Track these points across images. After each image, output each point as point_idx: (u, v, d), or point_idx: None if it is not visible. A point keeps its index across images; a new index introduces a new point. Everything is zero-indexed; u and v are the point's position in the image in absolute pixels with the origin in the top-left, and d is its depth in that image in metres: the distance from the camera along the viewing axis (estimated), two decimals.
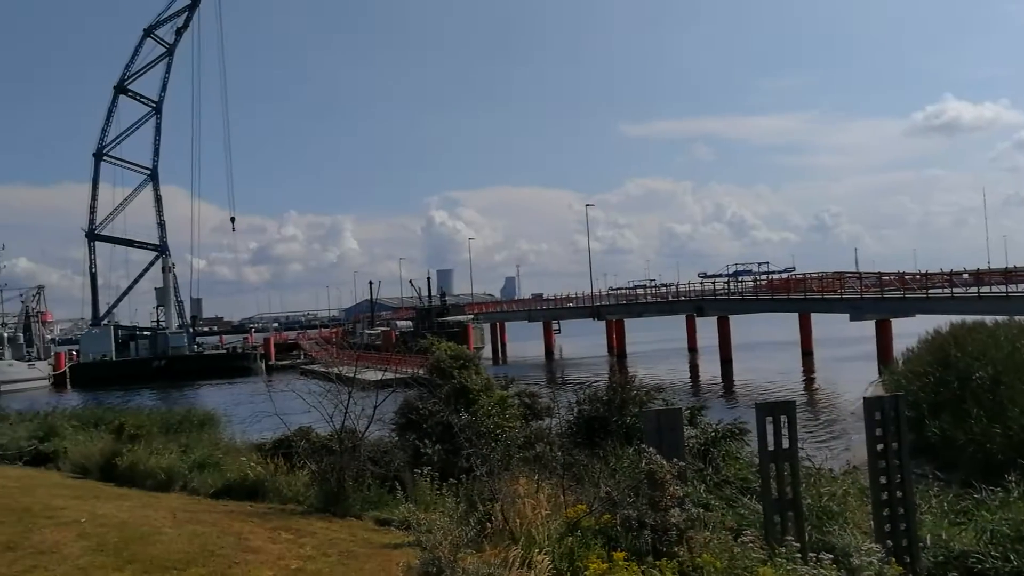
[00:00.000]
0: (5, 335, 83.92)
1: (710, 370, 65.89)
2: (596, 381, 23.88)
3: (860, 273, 65.99)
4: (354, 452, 13.39)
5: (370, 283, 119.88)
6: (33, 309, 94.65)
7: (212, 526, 11.28)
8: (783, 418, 8.72)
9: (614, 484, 9.52)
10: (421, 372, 21.89)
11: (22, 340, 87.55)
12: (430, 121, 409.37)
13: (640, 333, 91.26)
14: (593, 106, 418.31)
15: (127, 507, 12.74)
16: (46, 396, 65.69)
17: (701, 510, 8.65)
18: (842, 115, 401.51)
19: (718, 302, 73.64)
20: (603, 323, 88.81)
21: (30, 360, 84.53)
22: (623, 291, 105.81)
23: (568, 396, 16.89)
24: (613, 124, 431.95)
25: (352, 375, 14.95)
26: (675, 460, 8.07)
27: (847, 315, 57.75)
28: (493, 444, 12.22)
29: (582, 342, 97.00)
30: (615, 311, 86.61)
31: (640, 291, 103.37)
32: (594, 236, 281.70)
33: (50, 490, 14.46)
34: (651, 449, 8.22)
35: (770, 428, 8.72)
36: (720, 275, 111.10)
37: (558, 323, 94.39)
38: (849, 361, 59.86)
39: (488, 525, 9.19)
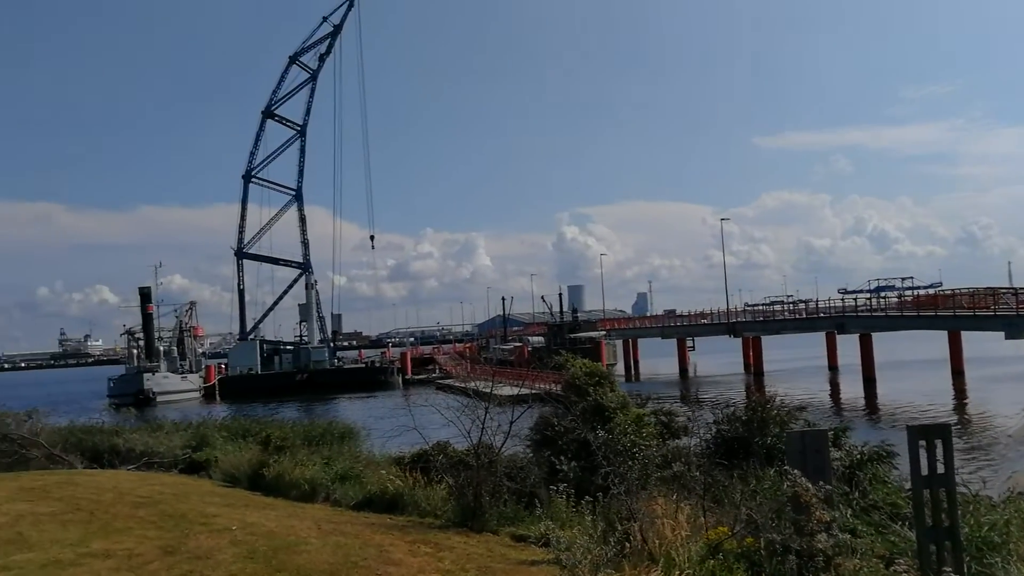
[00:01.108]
0: (161, 348, 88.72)
1: (852, 390, 63.34)
2: (733, 400, 23.32)
3: (1016, 288, 62.12)
4: (491, 467, 13.48)
5: (503, 299, 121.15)
6: (186, 324, 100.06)
7: (355, 538, 11.55)
8: (938, 442, 8.26)
9: (756, 506, 9.23)
10: (556, 388, 21.86)
11: (176, 353, 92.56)
12: (561, 137, 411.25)
13: (777, 351, 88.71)
14: (726, 119, 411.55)
15: (274, 516, 13.19)
16: (197, 407, 68.99)
17: (849, 536, 8.28)
18: (990, 122, 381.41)
19: (860, 319, 70.69)
20: (739, 340, 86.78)
21: (183, 372, 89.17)
22: (759, 307, 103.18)
23: (705, 415, 16.54)
24: (746, 137, 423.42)
25: (488, 390, 15.10)
26: (821, 483, 7.75)
27: (1002, 333, 54.47)
28: (630, 463, 12.05)
29: (717, 359, 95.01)
30: (752, 328, 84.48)
31: (777, 307, 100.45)
32: (729, 251, 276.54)
33: (203, 498, 15.12)
34: (795, 471, 7.93)
35: (923, 452, 8.28)
36: (861, 291, 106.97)
37: (692, 340, 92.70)
38: (1004, 382, 56.38)
39: (627, 545, 9.07)
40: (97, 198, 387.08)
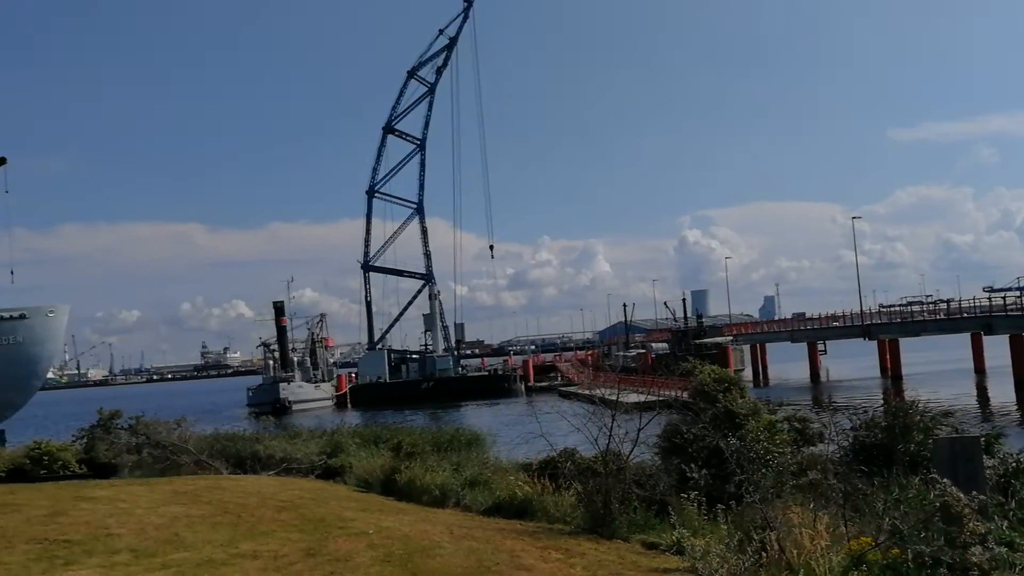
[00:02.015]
0: (295, 359, 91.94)
1: (1002, 394, 60.01)
2: (869, 405, 22.49)
3: None
4: (619, 474, 13.44)
5: (624, 305, 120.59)
6: (317, 335, 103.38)
7: (486, 543, 11.71)
8: None
9: (901, 516, 8.91)
10: (683, 395, 21.57)
11: (309, 363, 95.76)
12: (681, 140, 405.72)
13: (916, 353, 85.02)
14: (856, 111, 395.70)
15: (408, 521, 13.50)
16: (331, 415, 71.13)
17: (1006, 549, 7.87)
18: None
19: (1011, 319, 66.75)
20: (874, 343, 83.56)
21: (316, 382, 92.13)
22: (895, 308, 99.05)
23: (841, 421, 16.00)
24: (879, 129, 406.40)
25: (614, 397, 15.03)
26: (974, 493, 7.41)
27: None
28: (764, 470, 11.80)
29: (851, 363, 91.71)
30: (888, 330, 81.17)
31: (915, 308, 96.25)
32: (861, 250, 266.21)
33: (340, 503, 15.60)
34: (944, 480, 7.61)
35: None
36: (1010, 288, 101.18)
37: (823, 343, 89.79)
38: None
39: (764, 554, 8.89)
40: (232, 218, 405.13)
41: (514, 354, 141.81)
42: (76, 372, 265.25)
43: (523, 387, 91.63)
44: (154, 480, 18.21)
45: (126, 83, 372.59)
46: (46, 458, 19.52)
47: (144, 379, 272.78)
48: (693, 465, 13.34)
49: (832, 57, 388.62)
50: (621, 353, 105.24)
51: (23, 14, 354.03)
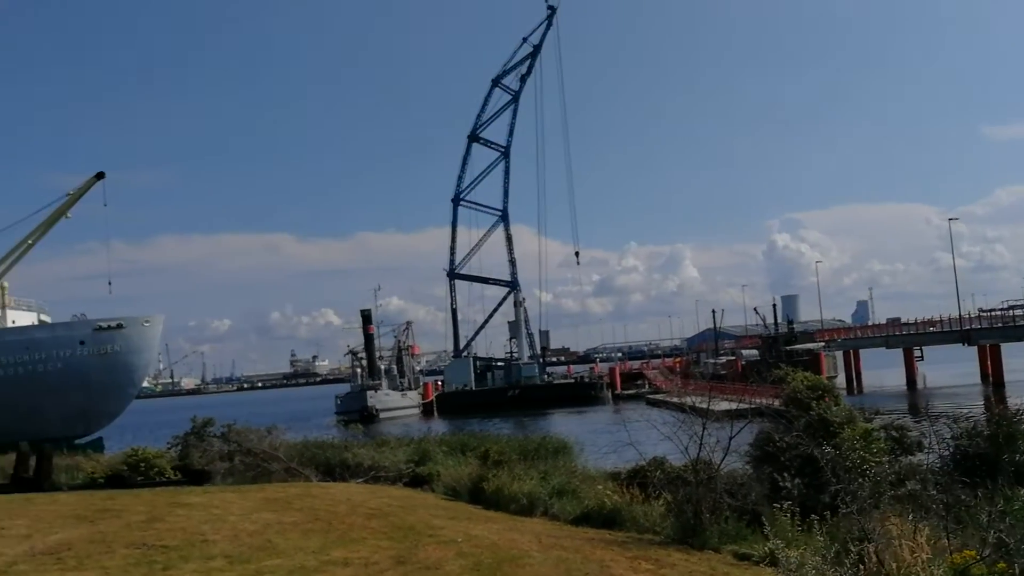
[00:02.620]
0: (382, 367, 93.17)
1: None
2: (970, 413, 21.64)
3: None
4: (710, 483, 13.19)
5: (712, 312, 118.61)
6: (404, 343, 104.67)
7: (575, 552, 11.60)
8: None
9: (1007, 529, 8.53)
10: (775, 403, 21.10)
11: (396, 371, 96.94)
12: (768, 142, 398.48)
13: (1020, 359, 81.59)
14: (946, 109, 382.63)
15: (496, 529, 13.49)
16: (417, 422, 71.84)
17: None
18: None
19: None
20: (974, 349, 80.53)
21: (403, 389, 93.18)
22: (997, 312, 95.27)
23: (940, 429, 15.42)
24: (972, 127, 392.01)
25: (704, 405, 14.79)
26: None
27: None
28: (860, 480, 11.41)
29: (949, 370, 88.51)
30: (989, 335, 78.15)
31: (1017, 312, 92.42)
32: (958, 252, 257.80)
33: (428, 510, 15.70)
34: None
35: None
36: None
37: (920, 349, 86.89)
38: None
39: (862, 567, 8.61)
40: (321, 228, 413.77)
41: (600, 361, 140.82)
42: (170, 380, 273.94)
43: (610, 395, 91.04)
44: (246, 487, 18.62)
45: (219, 96, 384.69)
46: (143, 465, 20.16)
47: (235, 387, 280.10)
48: (786, 474, 13.03)
49: (918, 55, 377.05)
50: (710, 360, 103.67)
51: (119, 30, 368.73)
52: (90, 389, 62.03)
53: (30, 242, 66.07)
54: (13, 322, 65.87)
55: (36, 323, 67.70)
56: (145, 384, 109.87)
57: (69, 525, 13.21)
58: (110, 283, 70.28)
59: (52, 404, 59.14)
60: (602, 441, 24.94)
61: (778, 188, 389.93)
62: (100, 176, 66.83)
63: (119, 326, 64.46)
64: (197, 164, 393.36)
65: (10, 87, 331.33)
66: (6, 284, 67.63)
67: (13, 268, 67.46)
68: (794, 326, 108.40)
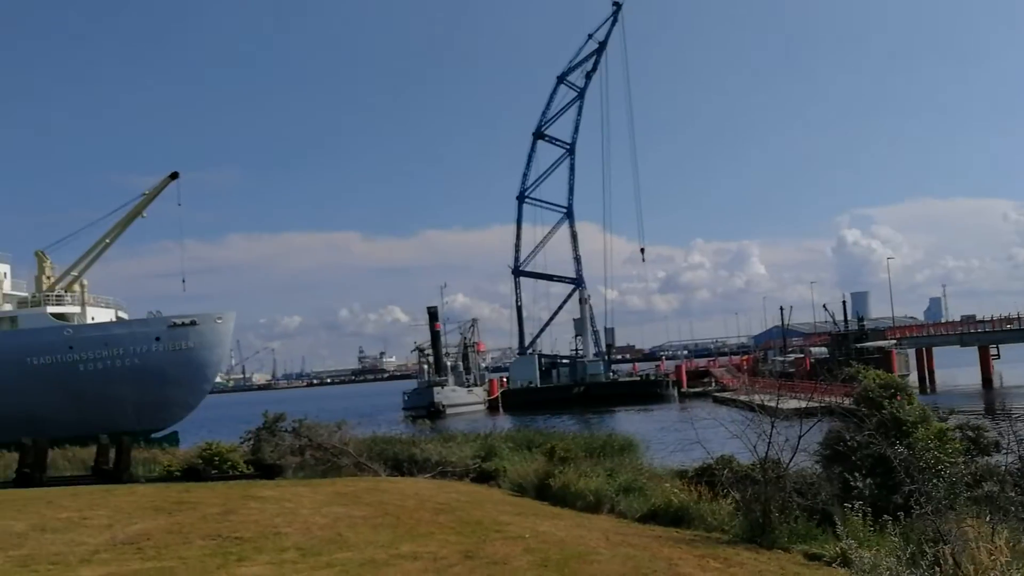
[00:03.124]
0: (449, 364, 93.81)
1: None
2: None
3: None
4: (779, 482, 13.03)
5: (780, 308, 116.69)
6: (469, 340, 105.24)
7: (643, 550, 11.58)
8: None
9: None
10: (845, 402, 20.70)
11: (462, 368, 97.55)
12: (838, 137, 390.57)
13: None
14: (1019, 102, 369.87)
15: (563, 526, 13.52)
16: (483, 418, 72.17)
17: None
18: None
19: None
20: None
21: (468, 386, 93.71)
22: None
23: (1019, 429, 14.98)
24: None
25: (772, 403, 14.60)
26: None
27: None
28: (935, 481, 11.17)
29: None
30: None
31: None
32: None
33: (495, 506, 15.80)
34: None
35: None
36: None
37: (997, 347, 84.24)
38: None
39: (937, 569, 8.44)
40: (387, 226, 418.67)
41: (666, 359, 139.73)
42: (241, 376, 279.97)
43: (676, 393, 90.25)
44: (316, 481, 18.95)
45: (289, 98, 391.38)
46: (216, 458, 20.62)
47: (305, 383, 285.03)
48: (857, 474, 12.81)
49: (994, 41, 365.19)
50: (778, 358, 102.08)
51: (191, 31, 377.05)
52: (165, 384, 63.75)
53: (108, 241, 68.11)
54: (92, 318, 67.94)
55: (114, 320, 69.75)
56: (218, 379, 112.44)
57: (148, 516, 13.61)
58: (184, 281, 71.53)
59: (129, 398, 60.92)
60: (668, 439, 24.76)
61: (847, 183, 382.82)
62: (174, 176, 68.58)
63: (193, 323, 66.05)
64: (266, 164, 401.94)
65: (86, 89, 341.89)
66: (86, 282, 69.83)
67: (92, 266, 69.65)
68: (864, 323, 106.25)
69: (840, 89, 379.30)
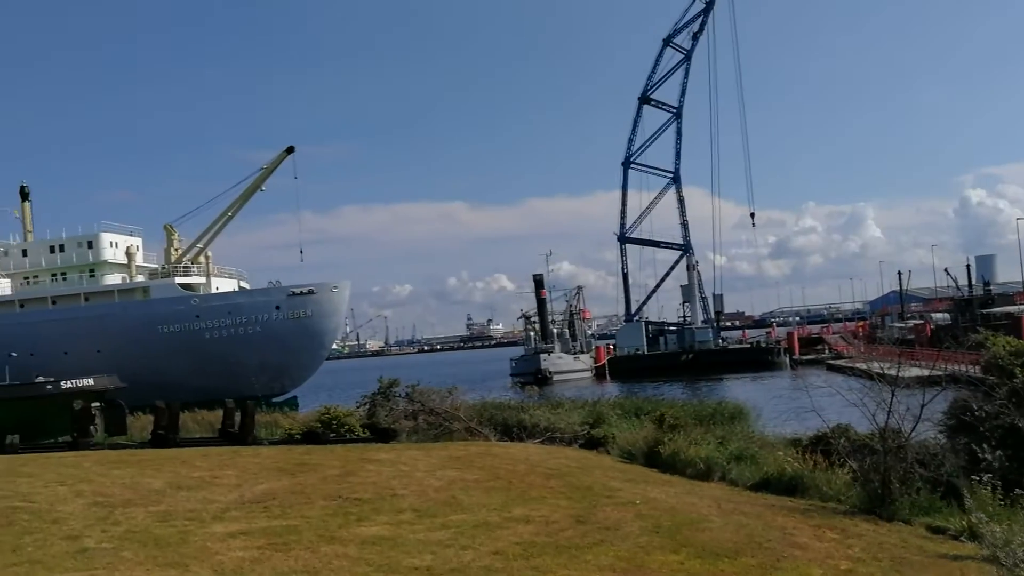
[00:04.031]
0: (555, 331, 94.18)
1: None
2: None
3: None
4: (899, 453, 12.67)
5: (899, 273, 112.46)
6: (575, 307, 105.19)
7: (756, 518, 11.45)
8: None
9: None
10: (973, 370, 19.89)
11: (568, 335, 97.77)
12: (958, 91, 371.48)
13: None
14: None
15: (673, 493, 13.48)
16: (589, 386, 72.27)
17: None
18: None
19: None
20: None
21: (575, 353, 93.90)
22: None
23: None
24: None
25: (892, 371, 14.12)
26: None
27: None
28: None
29: None
30: None
31: None
32: None
33: (604, 472, 15.85)
34: None
35: None
36: None
37: None
38: None
39: None
40: (492, 195, 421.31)
41: (777, 326, 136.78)
42: (356, 343, 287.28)
43: (787, 360, 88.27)
44: (429, 445, 19.38)
45: (396, 72, 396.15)
46: (334, 422, 21.27)
47: (415, 349, 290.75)
48: (985, 446, 12.34)
49: None
50: (896, 324, 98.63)
51: (304, 11, 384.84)
52: (285, 350, 66.12)
53: (230, 214, 70.70)
54: (217, 288, 70.90)
55: (237, 289, 72.55)
56: (334, 346, 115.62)
57: (272, 477, 14.21)
58: (301, 251, 73.86)
59: (252, 364, 63.38)
60: (780, 407, 24.25)
61: (970, 141, 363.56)
62: (290, 151, 70.56)
63: (310, 292, 68.14)
64: (377, 137, 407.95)
65: (207, 67, 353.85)
66: (210, 253, 72.86)
67: (216, 238, 72.50)
68: (991, 288, 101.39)
69: (958, 43, 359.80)
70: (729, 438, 18.54)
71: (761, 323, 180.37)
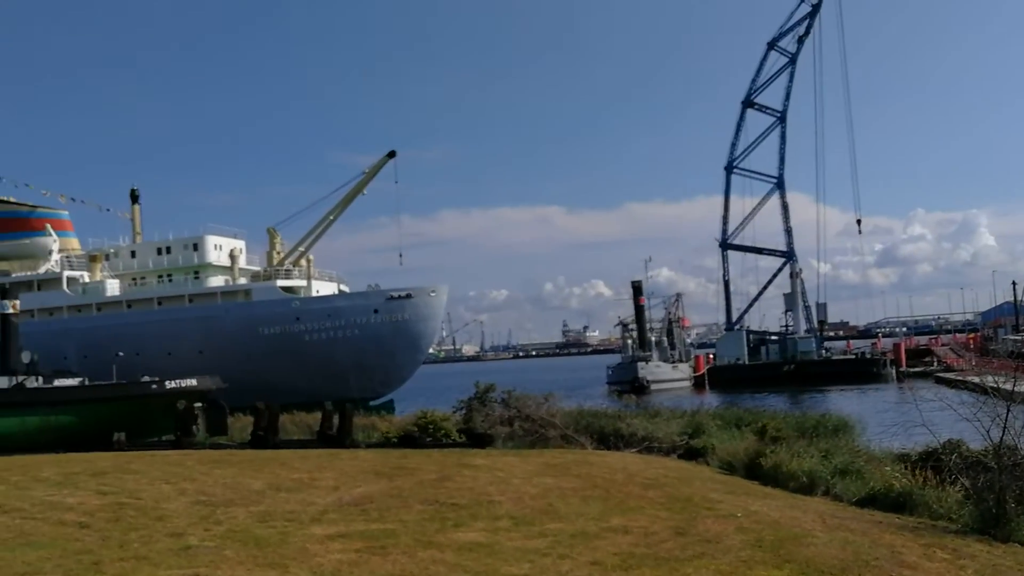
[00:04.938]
0: (653, 339, 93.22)
1: None
2: None
3: None
4: (1015, 471, 12.13)
5: (1012, 283, 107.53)
6: (673, 315, 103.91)
7: (862, 535, 11.10)
8: None
9: None
10: None
11: (666, 344, 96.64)
12: None
13: None
14: None
15: (776, 506, 13.17)
16: (688, 395, 71.25)
17: None
18: None
19: None
20: None
21: (673, 362, 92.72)
22: None
23: None
24: None
25: (1008, 386, 13.52)
26: None
27: None
28: None
29: None
30: None
31: None
32: None
33: (704, 483, 15.60)
34: None
35: None
36: None
37: None
38: None
39: None
40: (589, 200, 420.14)
41: (883, 336, 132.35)
42: (452, 347, 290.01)
43: (894, 372, 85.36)
44: (525, 451, 19.41)
45: (494, 77, 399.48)
46: (431, 426, 21.54)
47: (511, 355, 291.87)
48: None
49: None
50: (1010, 336, 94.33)
51: (405, 15, 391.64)
52: (382, 353, 67.10)
53: (331, 218, 72.27)
54: (317, 291, 72.52)
55: (336, 292, 74.10)
56: (430, 350, 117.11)
57: (370, 480, 14.45)
58: (400, 255, 75.51)
59: (350, 367, 64.56)
60: (887, 420, 23.50)
61: None
62: (391, 155, 71.74)
63: (408, 296, 69.07)
64: (476, 142, 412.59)
65: (310, 72, 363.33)
66: (311, 257, 74.58)
67: (317, 242, 74.22)
68: None
69: None
70: (833, 451, 18.03)
71: (866, 333, 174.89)
